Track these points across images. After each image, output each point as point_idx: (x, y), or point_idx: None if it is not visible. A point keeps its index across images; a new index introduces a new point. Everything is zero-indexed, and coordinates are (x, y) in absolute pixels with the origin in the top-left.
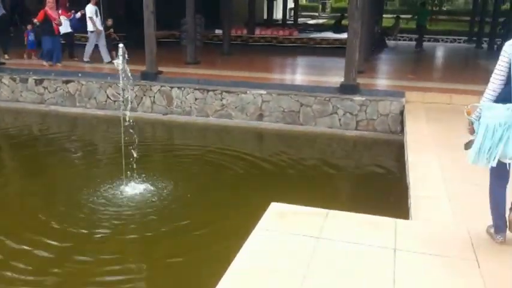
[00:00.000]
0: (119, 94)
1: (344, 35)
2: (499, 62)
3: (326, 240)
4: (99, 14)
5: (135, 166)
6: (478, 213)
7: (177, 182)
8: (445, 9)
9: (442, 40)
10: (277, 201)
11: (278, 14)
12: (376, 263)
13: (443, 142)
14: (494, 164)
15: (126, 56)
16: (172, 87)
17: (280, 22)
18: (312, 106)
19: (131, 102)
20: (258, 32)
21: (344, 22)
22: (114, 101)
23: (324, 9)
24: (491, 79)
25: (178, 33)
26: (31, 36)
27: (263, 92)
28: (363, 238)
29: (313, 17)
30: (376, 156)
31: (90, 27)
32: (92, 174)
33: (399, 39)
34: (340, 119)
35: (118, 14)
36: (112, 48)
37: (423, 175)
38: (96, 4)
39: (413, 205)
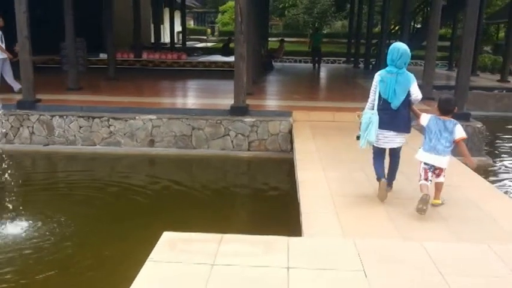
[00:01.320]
0: None
1: (232, 58)
2: (372, 87)
3: (220, 267)
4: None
5: (10, 204)
6: (364, 225)
7: (61, 217)
8: (325, 32)
9: (324, 61)
10: (171, 229)
11: (166, 38)
12: (271, 283)
13: (329, 158)
14: (364, 145)
15: None
16: (53, 116)
17: (168, 45)
18: (204, 129)
19: (6, 134)
20: (145, 55)
21: (232, 45)
22: None
23: (212, 33)
24: (369, 96)
25: (58, 58)
26: None
27: (153, 117)
28: (258, 260)
29: (201, 41)
30: (270, 175)
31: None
32: None
33: (285, 61)
34: (232, 141)
35: None
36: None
37: (312, 191)
38: (1, 28)
39: (305, 221)
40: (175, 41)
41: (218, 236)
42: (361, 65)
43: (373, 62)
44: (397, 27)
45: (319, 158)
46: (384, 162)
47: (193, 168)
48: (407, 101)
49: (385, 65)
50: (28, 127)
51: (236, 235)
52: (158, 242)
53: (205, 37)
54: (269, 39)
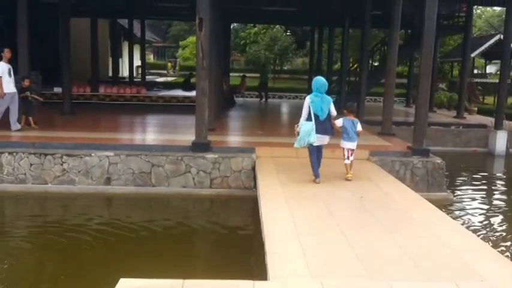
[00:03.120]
0: None
1: (194, 93)
2: (304, 106)
3: None
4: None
5: None
6: (331, 265)
7: (7, 263)
8: (286, 68)
9: (286, 96)
10: (127, 275)
11: (125, 72)
12: None
13: (293, 194)
14: (303, 145)
15: None
16: (1, 153)
17: (127, 80)
18: (164, 166)
19: None
20: (102, 89)
21: (193, 80)
22: None
23: (173, 68)
24: (302, 113)
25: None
26: None
27: (110, 153)
28: None
29: (161, 75)
30: (233, 214)
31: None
32: None
33: (247, 96)
34: (194, 178)
35: None
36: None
37: (277, 230)
38: (9, 62)
39: (270, 263)
40: (135, 75)
41: (179, 281)
42: None
43: (334, 99)
44: (355, 65)
45: (283, 194)
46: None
47: (153, 207)
48: (329, 115)
49: (338, 98)
50: None
51: (199, 280)
52: None
53: (165, 71)
54: (231, 74)
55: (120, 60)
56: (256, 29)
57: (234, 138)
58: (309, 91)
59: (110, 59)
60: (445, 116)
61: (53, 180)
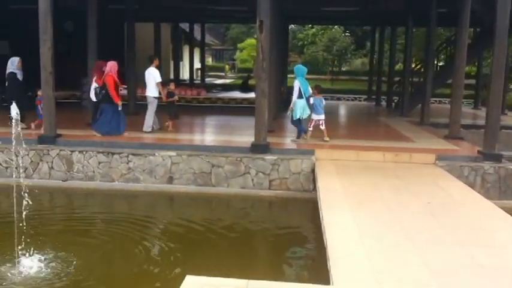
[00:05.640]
0: (12, 160)
1: (251, 94)
2: (295, 87)
3: None
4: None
5: (29, 241)
6: (397, 272)
7: (79, 256)
8: (344, 69)
9: (344, 98)
10: (193, 272)
11: (185, 74)
12: None
13: (356, 198)
14: (300, 117)
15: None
16: (72, 151)
17: (187, 82)
18: (224, 167)
19: (26, 169)
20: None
21: (251, 82)
22: (6, 168)
23: (231, 70)
24: (294, 93)
25: (79, 94)
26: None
27: (172, 153)
28: None
29: (219, 77)
30: (292, 216)
31: (155, 93)
32: None
33: None
34: (253, 179)
35: None
36: (171, 116)
37: (340, 234)
38: (158, 67)
39: (333, 268)
40: (194, 77)
41: (243, 281)
42: (383, 103)
43: (396, 101)
44: (419, 65)
45: (345, 198)
46: None
47: (213, 206)
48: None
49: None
50: (47, 162)
51: (263, 281)
52: (181, 286)
53: (223, 74)
54: (288, 76)
55: (181, 63)
56: (314, 30)
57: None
58: (369, 93)
59: (172, 62)
60: None
61: (119, 178)
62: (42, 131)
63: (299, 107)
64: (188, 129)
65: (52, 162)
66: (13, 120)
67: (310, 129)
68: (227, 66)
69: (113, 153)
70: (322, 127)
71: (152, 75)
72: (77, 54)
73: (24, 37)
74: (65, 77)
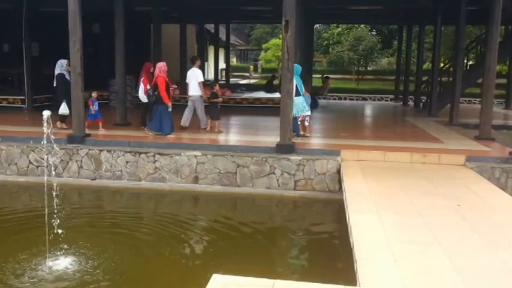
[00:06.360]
0: (43, 159)
1: (276, 95)
2: (294, 86)
3: None
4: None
5: (61, 238)
6: (427, 276)
7: (108, 254)
8: (370, 69)
9: (370, 98)
10: (218, 271)
11: (210, 75)
12: None
13: (383, 199)
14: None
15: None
16: (101, 151)
17: (212, 82)
18: (249, 167)
19: (56, 168)
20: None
21: (276, 82)
22: (37, 167)
23: (255, 70)
24: (294, 91)
25: (107, 94)
26: (96, 106)
27: (198, 153)
28: None
29: (244, 77)
30: (317, 216)
31: (199, 91)
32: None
33: (329, 98)
34: (278, 179)
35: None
36: (213, 118)
37: (366, 236)
38: (200, 68)
39: (360, 269)
40: (219, 77)
41: (270, 281)
42: (411, 103)
43: (424, 101)
44: (448, 65)
45: (371, 199)
46: None
47: (239, 206)
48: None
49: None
50: (77, 161)
51: (289, 281)
52: (208, 285)
53: (248, 74)
54: (313, 76)
55: (206, 63)
56: (339, 29)
57: (318, 141)
58: (396, 92)
59: None
60: None
61: (146, 177)
62: (101, 131)
63: (300, 104)
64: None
65: (81, 161)
66: (45, 120)
67: (305, 123)
68: (251, 67)
69: (140, 153)
70: (307, 123)
71: (195, 75)
72: (104, 56)
73: (54, 39)
74: (92, 77)
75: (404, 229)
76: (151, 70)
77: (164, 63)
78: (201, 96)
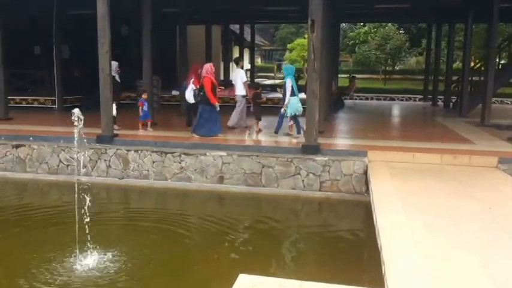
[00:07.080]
0: (73, 158)
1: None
2: (288, 85)
3: None
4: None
5: (90, 236)
6: (459, 283)
7: (136, 253)
8: (397, 68)
9: (398, 98)
10: (245, 270)
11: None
12: None
13: (411, 202)
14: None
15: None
16: (128, 150)
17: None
18: (274, 167)
19: (85, 167)
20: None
21: (300, 82)
22: (67, 166)
23: (279, 70)
24: (288, 91)
25: (134, 95)
26: (146, 107)
27: (223, 153)
28: None
29: (268, 78)
30: (344, 218)
31: (243, 91)
32: (43, 247)
33: (355, 98)
34: (303, 180)
35: (74, 75)
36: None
37: (394, 238)
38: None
39: (388, 272)
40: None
41: (296, 282)
42: (440, 103)
43: (454, 101)
44: (479, 64)
45: (399, 201)
46: None
47: (264, 207)
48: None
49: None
50: (105, 160)
51: (316, 283)
52: (234, 285)
53: (272, 74)
54: (339, 75)
55: (231, 64)
56: (366, 28)
57: (344, 141)
58: (425, 92)
59: (222, 63)
60: None
61: (172, 176)
62: (148, 131)
63: (296, 103)
64: (238, 130)
65: (109, 160)
66: (76, 120)
67: (290, 123)
68: (276, 67)
69: (166, 153)
70: (292, 122)
71: (239, 76)
72: (131, 57)
73: (83, 41)
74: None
75: (433, 232)
76: (199, 71)
77: (211, 64)
78: (243, 97)
